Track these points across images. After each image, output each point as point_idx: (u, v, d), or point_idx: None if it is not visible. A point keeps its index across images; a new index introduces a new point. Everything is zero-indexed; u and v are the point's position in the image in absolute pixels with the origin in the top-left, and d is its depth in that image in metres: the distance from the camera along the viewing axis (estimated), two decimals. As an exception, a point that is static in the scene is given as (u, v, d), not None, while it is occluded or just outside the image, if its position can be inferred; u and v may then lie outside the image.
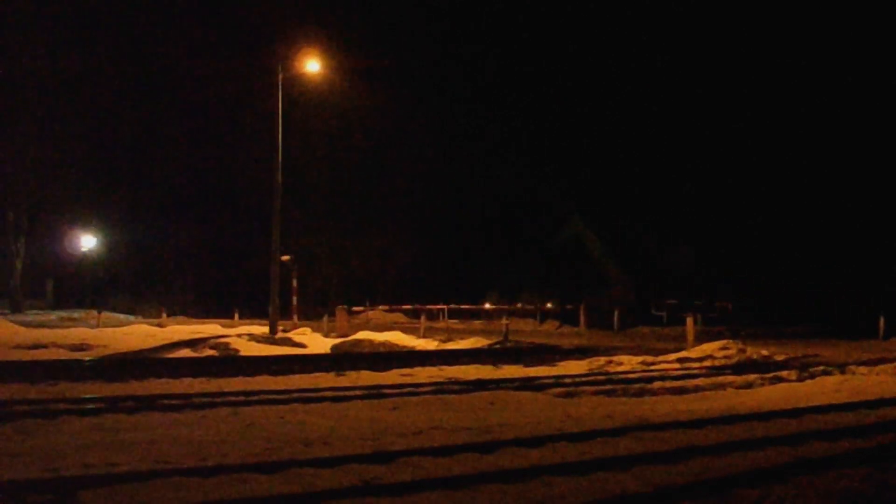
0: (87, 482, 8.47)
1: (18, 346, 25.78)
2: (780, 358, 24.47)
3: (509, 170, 68.54)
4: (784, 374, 20.15)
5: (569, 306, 49.20)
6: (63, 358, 23.05)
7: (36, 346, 25.93)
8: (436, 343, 30.03)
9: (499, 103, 79.76)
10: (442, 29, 78.03)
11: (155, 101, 66.08)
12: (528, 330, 41.03)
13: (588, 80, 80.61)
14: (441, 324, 43.61)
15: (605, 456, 10.15)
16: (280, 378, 18.86)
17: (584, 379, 19.25)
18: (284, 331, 32.52)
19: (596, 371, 21.76)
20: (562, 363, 23.94)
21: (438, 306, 50.50)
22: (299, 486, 8.60)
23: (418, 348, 28.32)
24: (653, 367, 22.36)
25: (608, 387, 17.89)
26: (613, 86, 73.78)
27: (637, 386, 18.05)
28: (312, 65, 34.52)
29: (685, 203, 63.19)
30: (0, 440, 10.88)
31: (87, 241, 62.63)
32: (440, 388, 17.23)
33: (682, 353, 25.23)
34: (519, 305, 53.60)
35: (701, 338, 29.15)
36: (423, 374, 20.41)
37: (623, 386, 17.99)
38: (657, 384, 18.32)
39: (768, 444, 11.04)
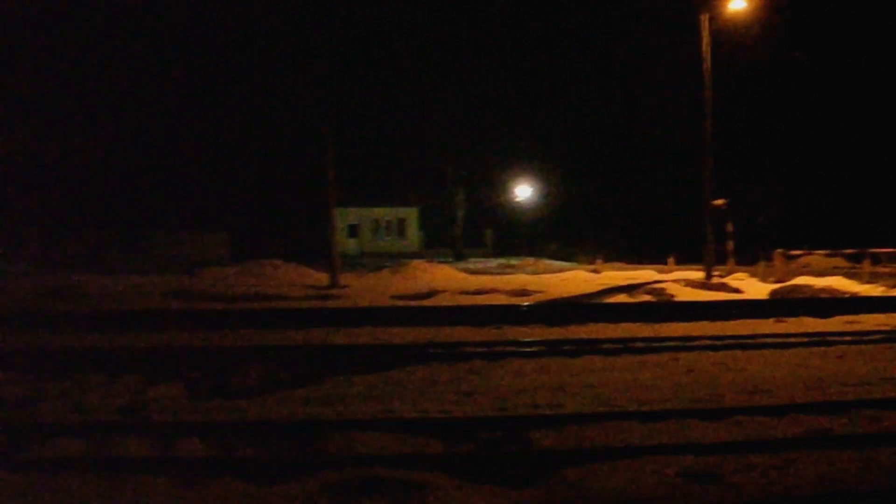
0: (534, 422, 8.78)
1: (464, 292, 27.21)
2: None
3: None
4: None
5: None
6: (505, 303, 24.02)
7: (479, 292, 27.26)
8: (882, 289, 28.29)
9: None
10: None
11: (566, 50, 67.41)
12: None
13: None
14: (887, 268, 41.01)
15: None
16: (717, 324, 18.54)
17: None
18: (720, 276, 32.01)
19: None
20: None
21: (885, 249, 47.53)
22: (741, 434, 8.43)
23: (862, 294, 26.85)
24: None
25: None
26: None
27: None
28: (738, 2, 33.47)
29: None
30: (454, 380, 11.54)
31: (523, 191, 64.75)
32: (890, 336, 16.22)
33: None
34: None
35: None
36: (870, 321, 19.28)
37: None
38: None
39: None
